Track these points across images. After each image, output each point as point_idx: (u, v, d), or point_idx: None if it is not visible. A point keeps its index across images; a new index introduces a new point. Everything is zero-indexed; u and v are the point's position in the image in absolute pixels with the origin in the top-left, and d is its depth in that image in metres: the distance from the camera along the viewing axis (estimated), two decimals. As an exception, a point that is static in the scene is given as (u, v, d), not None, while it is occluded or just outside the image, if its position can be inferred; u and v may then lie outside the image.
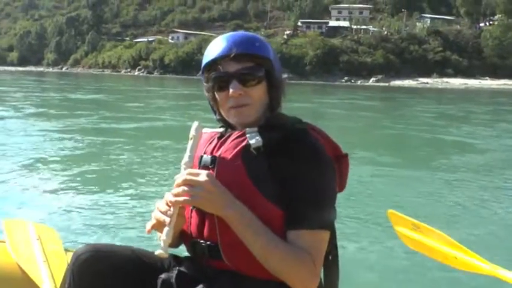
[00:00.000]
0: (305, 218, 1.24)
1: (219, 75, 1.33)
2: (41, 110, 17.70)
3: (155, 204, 1.31)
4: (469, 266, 1.74)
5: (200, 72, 1.42)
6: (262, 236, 1.21)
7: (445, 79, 71.26)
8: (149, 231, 1.31)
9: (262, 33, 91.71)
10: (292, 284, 1.24)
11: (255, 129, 1.31)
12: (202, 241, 1.31)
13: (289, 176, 1.26)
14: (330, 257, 1.38)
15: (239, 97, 1.32)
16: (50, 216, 4.78)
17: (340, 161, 1.39)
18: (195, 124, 1.36)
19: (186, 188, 1.21)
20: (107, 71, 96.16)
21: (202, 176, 1.21)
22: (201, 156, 1.35)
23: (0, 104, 19.23)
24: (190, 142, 1.34)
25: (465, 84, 66.15)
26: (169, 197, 1.27)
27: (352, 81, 71.92)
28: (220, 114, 1.42)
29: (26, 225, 2.06)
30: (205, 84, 1.39)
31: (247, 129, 1.31)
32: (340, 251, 1.44)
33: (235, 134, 1.33)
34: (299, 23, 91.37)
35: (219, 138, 1.38)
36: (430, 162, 9.30)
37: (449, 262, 1.83)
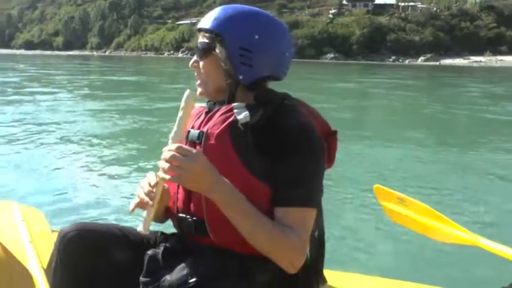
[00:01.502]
0: (293, 196, 1.23)
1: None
2: (78, 91, 17.45)
3: (140, 183, 1.29)
4: (452, 237, 1.80)
5: None
6: (250, 216, 1.20)
7: (499, 57, 67.79)
8: (132, 210, 1.30)
9: (307, 12, 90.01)
10: (279, 261, 1.23)
11: (243, 104, 1.29)
12: (188, 217, 1.30)
13: (277, 154, 1.24)
14: (316, 234, 1.37)
15: (195, 69, 1.37)
16: (37, 197, 4.64)
17: (329, 138, 1.39)
18: (186, 93, 1.27)
19: (173, 166, 1.15)
20: (150, 54, 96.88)
21: (192, 155, 1.16)
22: (189, 131, 1.33)
23: (43, 85, 19.26)
24: (179, 114, 1.25)
25: (522, 62, 62.68)
26: (152, 178, 1.26)
27: (400, 60, 69.53)
28: None
29: (11, 207, 2.03)
30: None
31: (235, 104, 1.30)
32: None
33: (223, 108, 1.31)
34: (344, 1, 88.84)
35: (207, 113, 1.36)
36: (462, 141, 8.89)
37: (432, 235, 1.89)
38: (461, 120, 12.24)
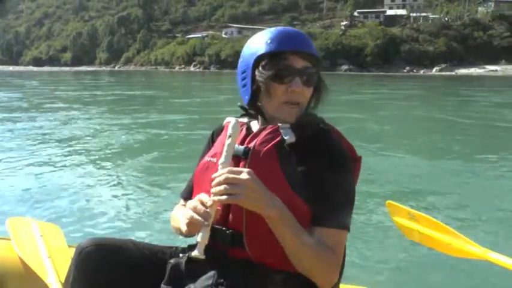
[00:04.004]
0: (332, 217, 1.27)
1: (286, 68, 1.32)
2: (89, 107, 16.95)
3: (187, 205, 1.31)
4: (462, 251, 1.85)
5: (255, 55, 1.35)
6: (299, 235, 1.23)
7: (515, 66, 67.00)
8: (190, 232, 1.29)
9: (318, 24, 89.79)
10: (318, 279, 1.27)
11: (288, 125, 1.33)
12: (225, 229, 1.31)
13: (319, 175, 1.28)
14: None
15: (298, 95, 1.34)
16: (54, 213, 4.71)
17: (354, 162, 1.42)
18: (232, 122, 1.32)
19: (227, 187, 1.18)
20: (160, 68, 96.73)
21: (244, 174, 1.19)
22: None
23: (55, 102, 18.61)
24: (227, 141, 1.29)
25: (540, 70, 61.89)
26: (205, 198, 1.25)
27: (414, 71, 68.85)
28: (259, 102, 1.39)
29: (30, 223, 2.13)
30: (262, 71, 1.34)
31: (281, 124, 1.34)
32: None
33: (269, 128, 1.35)
34: (355, 13, 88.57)
35: (247, 129, 1.41)
36: (475, 152, 8.57)
37: (443, 249, 1.94)
38: (478, 132, 11.68)
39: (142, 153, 7.98)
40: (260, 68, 1.34)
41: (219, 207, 1.25)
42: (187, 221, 1.26)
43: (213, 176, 1.22)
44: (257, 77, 1.35)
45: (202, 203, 1.25)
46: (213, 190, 1.20)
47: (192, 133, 10.55)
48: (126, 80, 46.30)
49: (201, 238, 1.21)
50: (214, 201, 1.21)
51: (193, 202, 1.27)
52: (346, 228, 1.30)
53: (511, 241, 4.09)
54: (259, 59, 1.35)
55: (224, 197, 1.18)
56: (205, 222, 1.21)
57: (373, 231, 4.28)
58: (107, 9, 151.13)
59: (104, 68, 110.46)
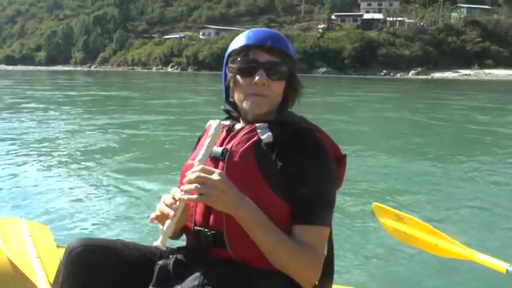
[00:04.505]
0: (312, 215, 1.29)
1: (250, 61, 1.37)
2: (70, 107, 16.86)
3: (162, 197, 1.33)
4: (448, 252, 1.89)
5: (226, 54, 1.44)
6: (272, 234, 1.24)
7: (487, 70, 68.63)
8: (151, 221, 1.32)
9: (295, 27, 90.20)
10: (297, 277, 1.29)
11: (266, 125, 1.35)
12: (207, 230, 1.32)
13: (298, 173, 1.30)
14: (327, 253, 1.40)
15: (262, 87, 1.35)
16: (42, 213, 4.70)
17: (339, 161, 1.44)
18: (215, 123, 1.35)
19: (198, 186, 1.20)
20: (137, 69, 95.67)
21: (216, 174, 1.21)
22: None
23: (37, 103, 18.28)
24: (207, 140, 1.31)
25: (510, 75, 63.45)
26: (176, 192, 1.28)
27: (391, 74, 69.81)
28: (232, 98, 1.45)
29: (18, 223, 2.09)
30: (230, 65, 1.41)
31: (258, 124, 1.35)
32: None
33: (247, 128, 1.37)
34: (333, 16, 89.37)
35: (228, 130, 1.42)
36: (452, 153, 8.86)
37: (430, 250, 1.97)
38: (450, 133, 12.00)
39: (124, 153, 8.00)
40: (229, 64, 1.41)
41: (188, 202, 1.26)
42: (158, 212, 1.29)
43: (186, 173, 1.24)
44: (227, 73, 1.42)
45: (173, 197, 1.27)
46: (183, 187, 1.21)
47: (170, 134, 10.51)
48: (103, 81, 45.79)
49: (165, 229, 1.23)
50: (182, 198, 1.22)
51: (166, 195, 1.31)
52: (326, 225, 1.32)
53: (480, 235, 4.21)
54: (229, 57, 1.42)
55: (194, 196, 1.20)
56: (171, 213, 1.24)
57: (359, 233, 4.30)
58: (82, 8, 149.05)
59: (80, 68, 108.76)
